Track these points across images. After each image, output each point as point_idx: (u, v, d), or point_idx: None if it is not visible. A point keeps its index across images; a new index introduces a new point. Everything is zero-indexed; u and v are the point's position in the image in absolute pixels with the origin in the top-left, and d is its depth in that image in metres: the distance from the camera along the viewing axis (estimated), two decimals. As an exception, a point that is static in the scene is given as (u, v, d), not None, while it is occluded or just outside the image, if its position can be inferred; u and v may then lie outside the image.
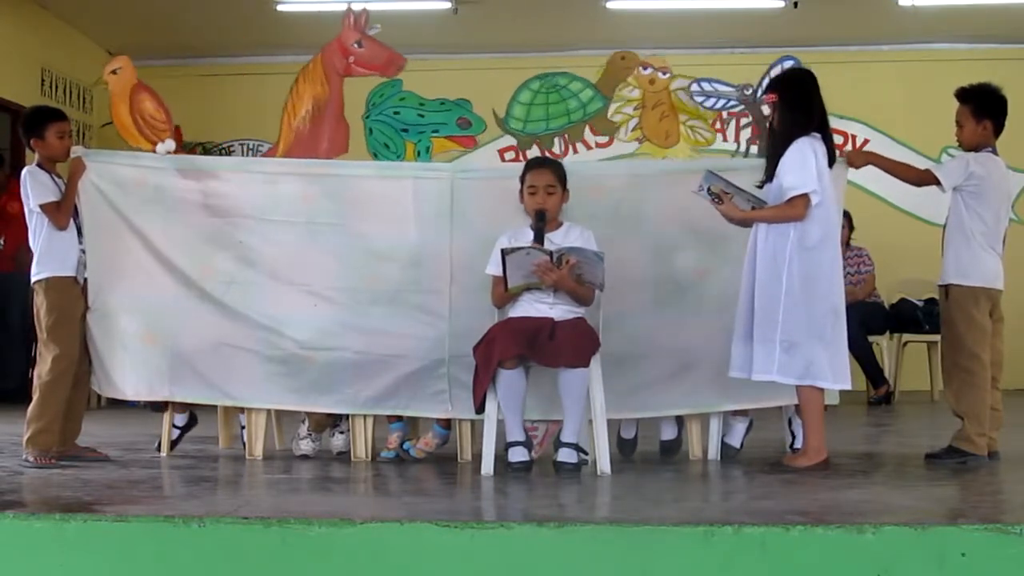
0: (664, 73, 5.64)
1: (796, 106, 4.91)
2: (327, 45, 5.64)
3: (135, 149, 5.50)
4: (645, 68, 5.64)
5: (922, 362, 8.94)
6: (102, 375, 5.38)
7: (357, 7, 5.63)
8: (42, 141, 5.26)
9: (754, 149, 5.78)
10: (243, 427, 5.57)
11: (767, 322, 4.79)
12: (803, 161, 4.79)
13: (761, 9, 9.67)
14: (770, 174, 4.92)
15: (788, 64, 5.38)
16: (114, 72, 5.52)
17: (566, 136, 5.68)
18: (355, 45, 5.57)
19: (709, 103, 5.68)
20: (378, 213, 5.37)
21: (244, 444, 5.49)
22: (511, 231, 5.03)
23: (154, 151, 5.46)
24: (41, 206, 5.16)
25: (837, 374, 4.83)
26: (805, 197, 4.78)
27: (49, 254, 5.20)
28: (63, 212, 5.19)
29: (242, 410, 5.52)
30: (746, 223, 4.94)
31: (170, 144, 5.49)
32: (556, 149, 5.84)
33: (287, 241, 5.38)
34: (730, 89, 5.66)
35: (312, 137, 5.57)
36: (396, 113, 5.58)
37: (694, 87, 5.68)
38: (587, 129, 5.82)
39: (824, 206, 4.82)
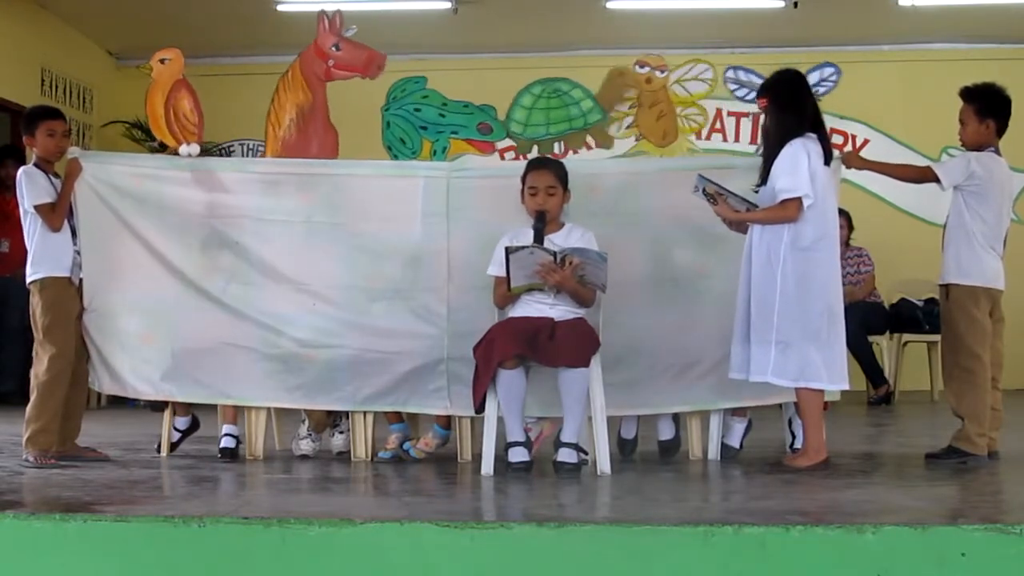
0: (661, 72, 5.60)
1: (788, 107, 4.90)
2: (304, 51, 5.57)
3: (132, 149, 5.47)
4: (642, 67, 5.61)
5: (922, 362, 8.94)
6: (103, 373, 5.37)
7: (330, 9, 5.56)
8: (33, 139, 5.28)
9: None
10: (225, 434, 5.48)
11: (763, 323, 4.79)
12: (795, 164, 4.78)
13: (761, 9, 9.66)
14: (765, 177, 4.91)
15: (828, 70, 5.34)
16: (162, 61, 5.46)
17: (565, 142, 5.67)
18: (333, 48, 5.49)
19: (740, 93, 5.66)
20: (378, 212, 5.36)
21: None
22: (512, 232, 5.01)
23: (177, 150, 5.42)
24: (36, 207, 5.16)
25: (833, 375, 4.83)
26: (797, 200, 4.78)
27: (44, 254, 5.20)
28: (58, 214, 5.18)
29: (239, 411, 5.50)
30: (740, 224, 4.95)
31: (195, 148, 5.42)
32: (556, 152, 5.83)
33: (286, 240, 5.37)
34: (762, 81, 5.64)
35: (300, 144, 5.52)
36: (417, 110, 5.56)
37: (728, 74, 5.65)
38: (587, 136, 5.80)
39: (818, 207, 4.81)
